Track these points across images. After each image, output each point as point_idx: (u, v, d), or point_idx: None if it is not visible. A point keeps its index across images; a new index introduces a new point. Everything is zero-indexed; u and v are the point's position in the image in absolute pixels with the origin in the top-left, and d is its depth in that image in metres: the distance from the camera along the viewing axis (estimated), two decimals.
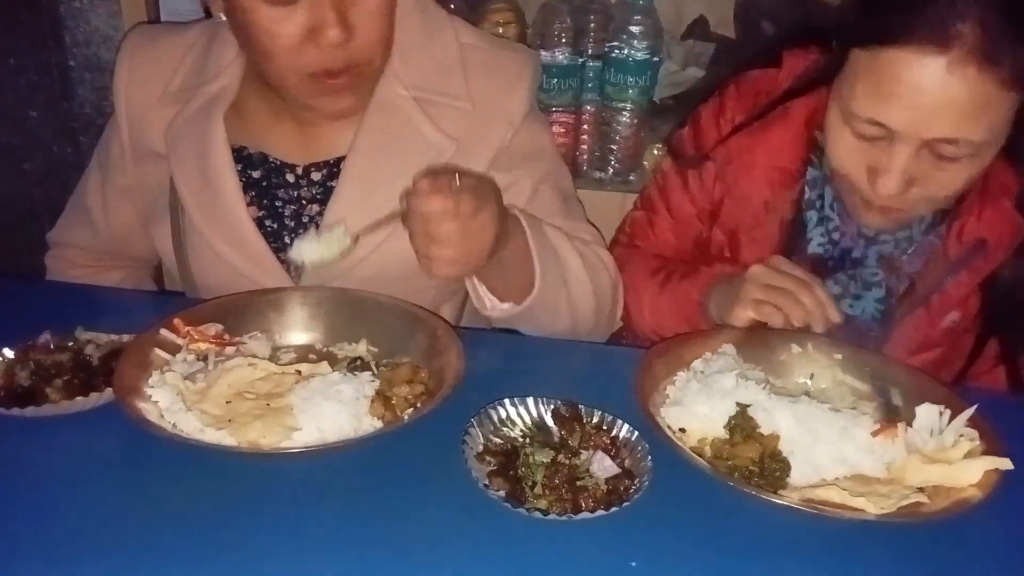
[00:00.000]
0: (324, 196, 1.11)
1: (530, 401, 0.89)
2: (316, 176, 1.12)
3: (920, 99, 0.89)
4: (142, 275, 1.33)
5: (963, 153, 0.92)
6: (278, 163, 1.12)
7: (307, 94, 1.03)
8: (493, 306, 1.04)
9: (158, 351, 0.93)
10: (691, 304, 1.13)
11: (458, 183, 0.89)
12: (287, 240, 1.12)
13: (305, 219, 1.12)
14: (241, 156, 1.12)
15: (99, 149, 1.23)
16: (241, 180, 1.11)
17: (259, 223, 1.11)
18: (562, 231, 1.10)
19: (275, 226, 1.12)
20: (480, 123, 1.10)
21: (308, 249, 0.97)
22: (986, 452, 0.83)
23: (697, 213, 1.22)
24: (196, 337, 0.95)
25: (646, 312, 1.20)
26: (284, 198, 1.12)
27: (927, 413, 0.88)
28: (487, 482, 0.79)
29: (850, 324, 1.13)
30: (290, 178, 1.12)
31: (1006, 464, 0.80)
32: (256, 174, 1.12)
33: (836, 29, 0.99)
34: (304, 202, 1.12)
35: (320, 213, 1.11)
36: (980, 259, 1.06)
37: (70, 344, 0.97)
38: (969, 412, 0.87)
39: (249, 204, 1.11)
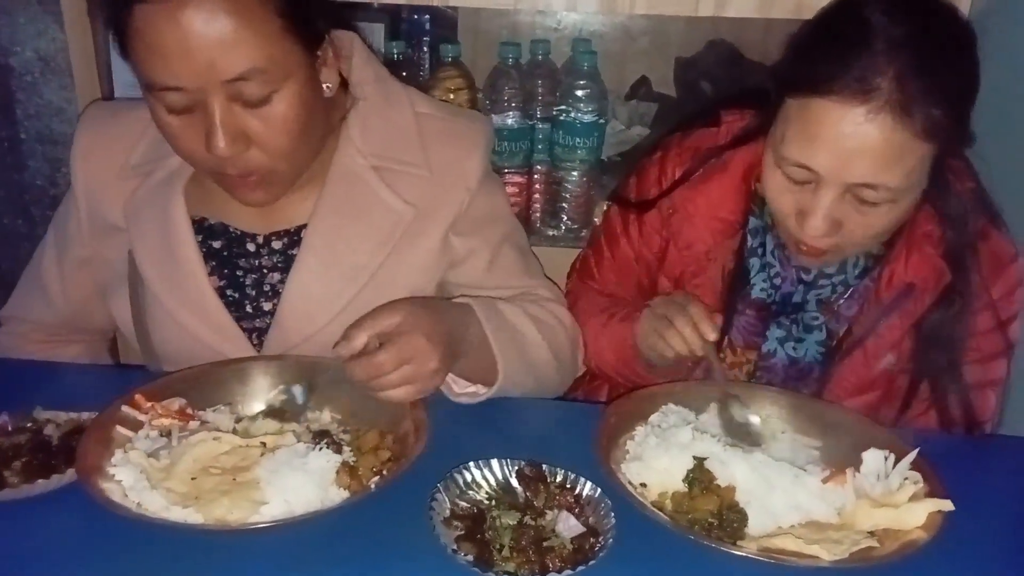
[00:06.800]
0: (285, 264, 1.12)
1: (495, 463, 0.91)
2: (277, 245, 1.14)
3: (841, 144, 0.96)
4: (99, 348, 1.32)
5: (883, 198, 0.99)
6: (238, 233, 1.14)
7: (221, 185, 1.06)
8: (461, 390, 1.07)
9: (120, 428, 0.93)
10: (626, 345, 1.18)
11: (384, 331, 0.93)
12: (248, 309, 1.13)
13: (267, 288, 1.13)
14: (202, 227, 1.14)
15: (55, 223, 1.23)
16: (202, 250, 1.12)
17: (220, 293, 1.12)
18: (518, 302, 1.14)
19: (236, 295, 1.13)
20: (438, 189, 1.14)
21: None
22: (929, 494, 0.87)
23: (635, 258, 1.28)
24: (159, 412, 0.95)
25: (590, 347, 1.26)
26: (245, 267, 1.14)
27: (873, 458, 0.92)
28: (455, 547, 0.80)
29: (794, 366, 1.19)
30: (251, 247, 1.14)
31: (948, 506, 0.84)
32: (217, 244, 1.14)
33: (772, 80, 1.06)
34: (265, 271, 1.14)
35: (282, 281, 1.12)
36: (909, 303, 1.12)
37: (28, 424, 0.96)
38: (912, 455, 0.91)
39: (210, 274, 1.12)
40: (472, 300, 1.07)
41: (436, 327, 0.97)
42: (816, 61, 0.98)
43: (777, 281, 1.18)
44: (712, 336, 1.03)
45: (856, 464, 0.92)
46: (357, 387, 0.95)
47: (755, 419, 1.01)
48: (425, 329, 0.95)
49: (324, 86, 1.05)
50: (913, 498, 0.87)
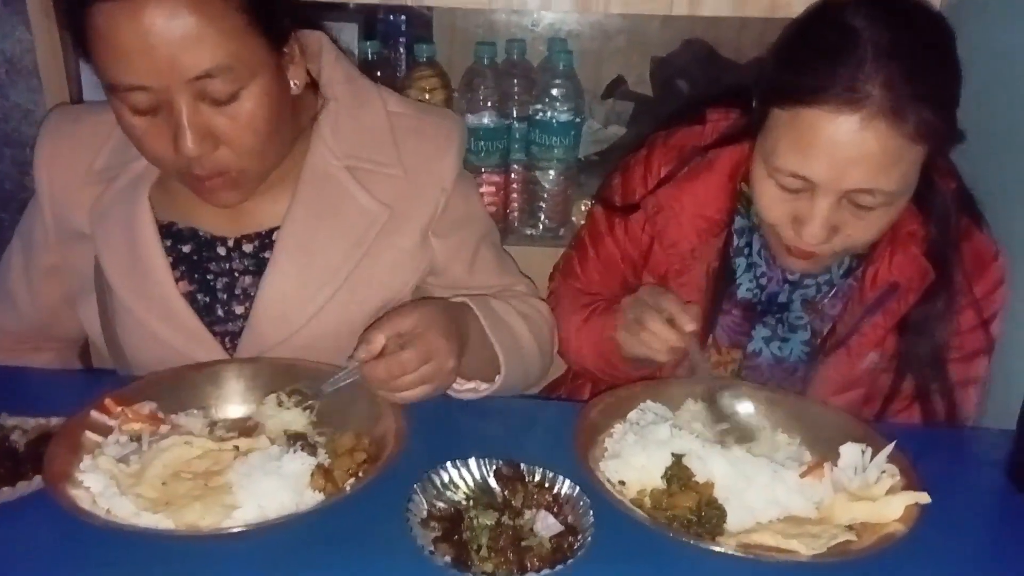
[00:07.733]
0: (257, 268, 1.11)
1: (472, 463, 0.90)
2: (248, 248, 1.12)
3: (837, 153, 0.95)
4: (69, 355, 1.29)
5: (879, 202, 0.99)
6: (208, 237, 1.12)
7: (189, 187, 1.04)
8: (461, 387, 1.06)
9: (89, 434, 0.91)
10: (605, 339, 1.18)
11: (401, 332, 0.94)
12: (220, 313, 1.12)
13: (238, 292, 1.12)
14: (171, 231, 1.12)
15: (20, 230, 1.21)
16: (171, 256, 1.10)
17: (191, 298, 1.11)
18: (504, 299, 1.15)
19: (207, 300, 1.12)
20: (413, 189, 1.13)
21: None
22: (906, 487, 0.87)
23: (621, 257, 1.27)
24: (129, 417, 0.93)
25: (571, 343, 1.26)
26: (216, 271, 1.12)
27: (850, 451, 0.92)
28: (432, 549, 0.79)
29: (779, 366, 1.19)
30: (221, 251, 1.12)
31: (924, 498, 0.84)
32: (186, 249, 1.12)
33: (757, 89, 1.06)
34: (236, 275, 1.12)
35: (253, 285, 1.11)
36: (893, 302, 1.12)
37: None
38: (889, 448, 0.91)
39: (180, 279, 1.10)
40: (468, 299, 1.08)
41: (449, 326, 0.97)
42: (803, 71, 0.97)
43: (763, 281, 1.18)
44: (691, 327, 1.03)
45: (834, 458, 0.92)
46: (369, 389, 0.95)
47: (747, 406, 1.01)
48: (441, 328, 0.96)
49: (292, 83, 1.04)
50: (890, 491, 0.87)
